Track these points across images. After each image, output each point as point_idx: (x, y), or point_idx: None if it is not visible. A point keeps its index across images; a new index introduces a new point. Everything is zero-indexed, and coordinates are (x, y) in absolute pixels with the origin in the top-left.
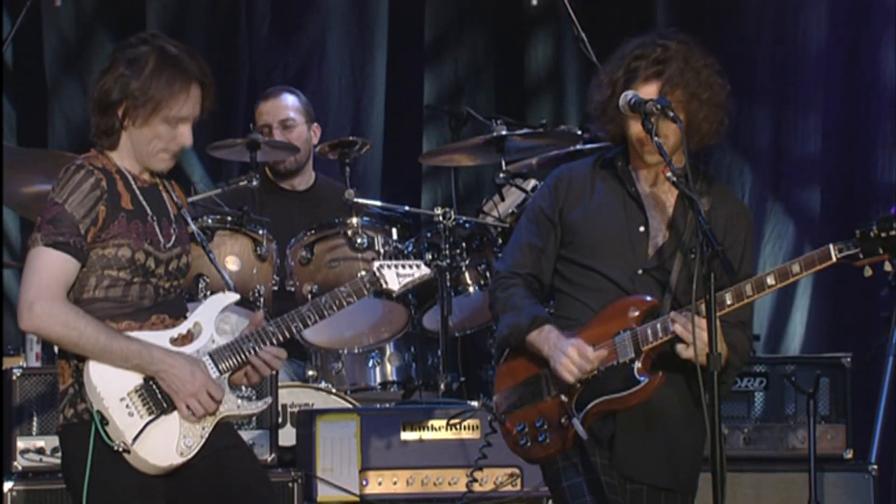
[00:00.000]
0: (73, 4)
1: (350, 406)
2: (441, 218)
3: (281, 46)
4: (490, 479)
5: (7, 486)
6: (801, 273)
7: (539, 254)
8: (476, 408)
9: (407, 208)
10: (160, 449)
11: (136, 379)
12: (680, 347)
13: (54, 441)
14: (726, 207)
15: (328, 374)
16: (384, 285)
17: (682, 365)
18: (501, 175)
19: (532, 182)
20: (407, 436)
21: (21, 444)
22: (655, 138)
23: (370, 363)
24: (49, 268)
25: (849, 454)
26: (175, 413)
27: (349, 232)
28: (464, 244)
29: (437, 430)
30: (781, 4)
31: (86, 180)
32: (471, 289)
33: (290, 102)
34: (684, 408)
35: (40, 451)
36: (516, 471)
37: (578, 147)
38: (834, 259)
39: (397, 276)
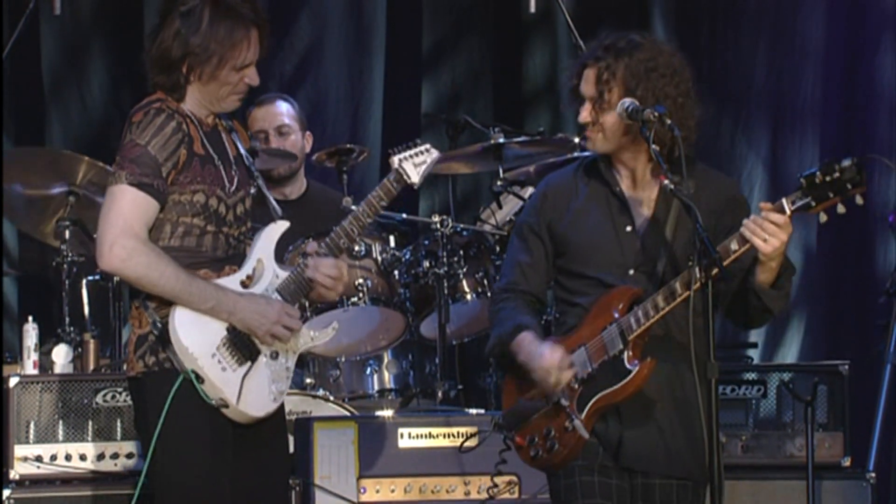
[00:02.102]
0: (70, 12)
1: (348, 414)
2: (438, 226)
3: (278, 54)
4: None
5: (5, 493)
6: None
7: (530, 270)
8: (488, 429)
9: (404, 216)
10: (257, 399)
11: (221, 331)
12: (758, 244)
13: (52, 449)
14: (712, 187)
15: (326, 382)
16: (408, 180)
17: (677, 352)
18: (499, 183)
19: (529, 190)
20: (405, 443)
21: (18, 451)
22: (653, 146)
23: (368, 371)
24: (132, 207)
25: (847, 462)
26: (261, 359)
27: None
28: (461, 252)
29: (436, 438)
30: (779, 10)
31: (168, 123)
32: (468, 296)
33: (284, 109)
34: (685, 394)
35: (38, 458)
36: (514, 478)
37: (576, 154)
38: (788, 211)
39: (414, 166)
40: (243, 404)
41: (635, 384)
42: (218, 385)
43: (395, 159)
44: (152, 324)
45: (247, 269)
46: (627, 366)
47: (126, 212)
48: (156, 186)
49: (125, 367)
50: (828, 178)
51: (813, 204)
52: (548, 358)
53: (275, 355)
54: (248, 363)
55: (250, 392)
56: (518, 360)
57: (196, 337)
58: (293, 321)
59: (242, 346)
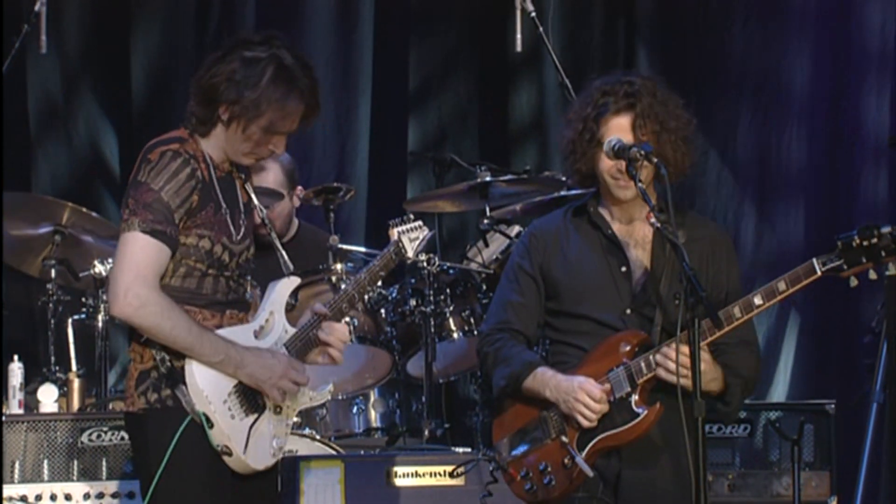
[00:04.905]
0: (57, 54)
1: (334, 453)
2: (425, 264)
3: None
4: None
5: None
6: (787, 290)
7: (522, 310)
8: (478, 457)
9: None
10: (260, 451)
11: (233, 377)
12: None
13: (37, 489)
14: (703, 235)
15: (312, 421)
16: (404, 253)
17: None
18: (485, 221)
19: (516, 228)
20: (391, 482)
21: (3, 491)
22: (639, 184)
23: (354, 410)
24: (144, 255)
25: (833, 501)
26: (267, 413)
27: (333, 278)
28: (448, 290)
29: (422, 477)
30: (764, 52)
31: (182, 169)
32: (455, 335)
33: (271, 178)
34: (683, 436)
35: (23, 498)
36: None
37: (563, 193)
38: (819, 273)
39: (409, 241)
40: (248, 455)
41: (641, 428)
42: (226, 432)
43: (395, 231)
44: (159, 360)
45: (259, 321)
46: (635, 409)
47: (139, 259)
48: (168, 233)
49: (124, 402)
50: (864, 243)
51: (845, 267)
52: (590, 388)
53: (278, 410)
54: (255, 414)
55: (255, 444)
56: (544, 395)
57: (211, 380)
58: (300, 375)
59: (251, 396)
